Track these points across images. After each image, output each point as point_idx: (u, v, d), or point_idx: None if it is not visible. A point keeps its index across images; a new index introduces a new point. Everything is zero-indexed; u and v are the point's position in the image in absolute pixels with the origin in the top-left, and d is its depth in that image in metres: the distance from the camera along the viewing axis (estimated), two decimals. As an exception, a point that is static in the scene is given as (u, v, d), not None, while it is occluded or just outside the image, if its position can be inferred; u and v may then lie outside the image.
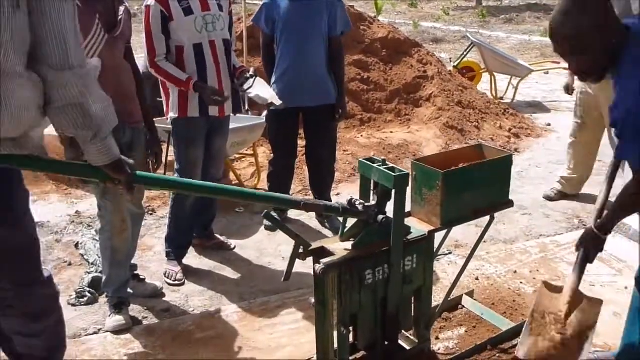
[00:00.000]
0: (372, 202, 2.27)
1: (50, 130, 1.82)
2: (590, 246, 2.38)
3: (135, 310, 3.37)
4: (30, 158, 1.74)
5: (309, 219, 4.64)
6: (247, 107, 5.08)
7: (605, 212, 2.38)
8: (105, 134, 1.73)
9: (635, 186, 2.10)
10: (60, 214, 4.69)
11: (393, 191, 2.21)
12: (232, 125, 4.10)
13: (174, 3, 3.41)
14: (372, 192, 2.33)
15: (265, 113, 4.51)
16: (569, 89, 4.82)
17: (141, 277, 3.59)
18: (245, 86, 3.64)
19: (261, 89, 3.82)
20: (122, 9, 2.99)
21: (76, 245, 4.12)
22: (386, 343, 2.46)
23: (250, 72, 3.64)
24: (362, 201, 2.23)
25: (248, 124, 4.95)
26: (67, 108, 1.64)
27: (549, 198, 5.01)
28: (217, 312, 3.38)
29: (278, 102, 3.86)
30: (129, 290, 3.32)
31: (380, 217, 2.22)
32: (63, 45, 1.60)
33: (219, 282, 3.77)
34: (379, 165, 2.25)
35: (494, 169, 2.56)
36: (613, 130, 2.10)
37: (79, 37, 1.67)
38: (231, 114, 3.83)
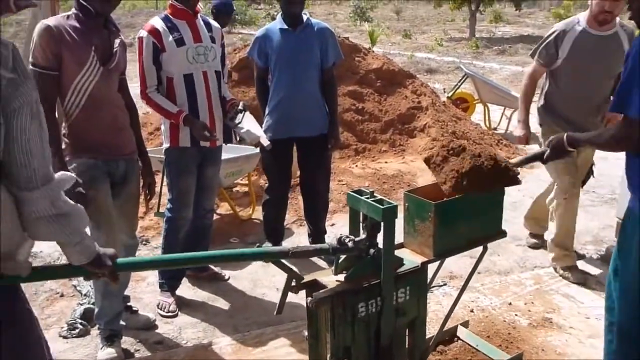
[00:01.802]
0: (362, 236, 2.26)
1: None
2: (554, 154, 2.66)
3: (127, 342, 3.34)
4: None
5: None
6: (238, 139, 5.11)
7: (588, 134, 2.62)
8: (78, 239, 1.74)
9: (618, 129, 2.26)
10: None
11: (382, 223, 2.21)
12: (227, 156, 4.12)
13: (166, 35, 3.45)
14: (361, 224, 2.33)
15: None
16: (527, 141, 4.22)
17: (134, 308, 3.56)
18: (236, 120, 3.66)
19: (251, 126, 3.86)
20: (117, 41, 3.03)
21: (69, 276, 4.09)
22: (380, 376, 2.43)
23: (240, 107, 3.67)
24: (351, 237, 2.22)
25: (243, 154, 4.97)
26: (38, 221, 1.66)
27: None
28: (211, 344, 3.35)
29: (266, 142, 3.91)
30: (122, 322, 3.29)
31: (372, 250, 2.22)
32: (29, 169, 1.63)
33: (213, 313, 3.74)
34: (367, 198, 2.25)
35: (487, 200, 2.56)
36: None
37: (47, 149, 1.70)
38: (223, 144, 3.86)
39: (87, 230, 1.86)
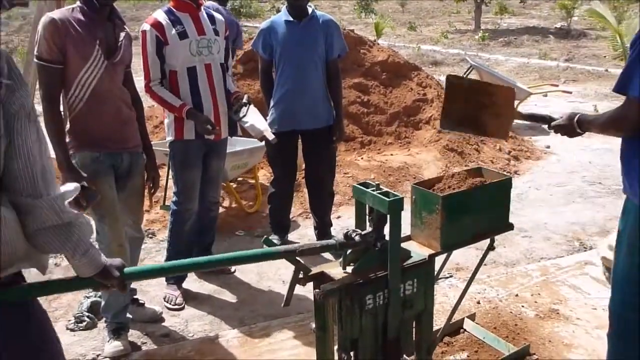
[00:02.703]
0: (369, 229, 2.25)
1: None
2: (563, 129, 2.58)
3: (134, 335, 3.35)
4: (22, 288, 1.73)
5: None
6: (240, 134, 5.10)
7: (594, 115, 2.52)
8: (83, 250, 1.73)
9: (618, 109, 2.25)
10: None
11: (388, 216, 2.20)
12: (232, 149, 4.11)
13: (169, 28, 3.44)
14: (367, 217, 2.32)
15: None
16: None
17: (140, 301, 3.57)
18: (240, 114, 3.65)
19: (256, 120, 3.84)
20: (122, 34, 3.02)
21: (75, 270, 4.09)
22: (387, 368, 2.43)
23: (245, 99, 3.65)
24: (358, 231, 2.21)
25: (248, 147, 4.97)
26: (43, 232, 1.65)
27: None
28: (217, 337, 3.36)
29: (271, 136, 3.91)
30: (128, 315, 3.30)
31: (379, 242, 2.21)
32: (31, 174, 1.62)
33: (219, 306, 3.74)
34: (373, 190, 2.24)
35: (494, 193, 2.55)
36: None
37: (47, 159, 1.68)
38: (228, 137, 3.85)
39: (93, 240, 1.83)
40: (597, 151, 7.01)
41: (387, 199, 2.15)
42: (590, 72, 13.59)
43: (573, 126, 2.51)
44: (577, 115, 2.49)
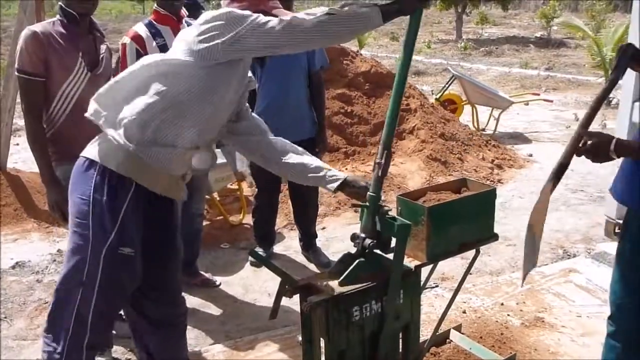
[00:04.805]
0: (370, 241, 2.26)
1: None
2: (593, 146, 2.22)
3: (118, 351, 3.31)
4: None
5: (295, 254, 4.61)
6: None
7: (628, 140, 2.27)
8: None
9: None
10: (42, 252, 4.62)
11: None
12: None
13: (149, 41, 3.42)
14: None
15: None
16: None
17: (124, 316, 3.52)
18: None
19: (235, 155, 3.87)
20: (103, 47, 3.01)
21: (58, 285, 4.04)
22: (374, 380, 2.42)
23: None
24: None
25: (232, 160, 4.95)
26: None
27: None
28: (202, 351, 3.32)
29: (247, 173, 3.92)
30: (112, 330, 3.25)
31: (370, 252, 2.22)
32: None
33: (204, 320, 3.71)
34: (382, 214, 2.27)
35: (479, 203, 2.56)
36: None
37: None
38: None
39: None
40: (579, 158, 7.06)
41: (395, 223, 2.17)
42: (571, 80, 13.75)
43: (607, 150, 2.19)
44: (614, 140, 2.15)
